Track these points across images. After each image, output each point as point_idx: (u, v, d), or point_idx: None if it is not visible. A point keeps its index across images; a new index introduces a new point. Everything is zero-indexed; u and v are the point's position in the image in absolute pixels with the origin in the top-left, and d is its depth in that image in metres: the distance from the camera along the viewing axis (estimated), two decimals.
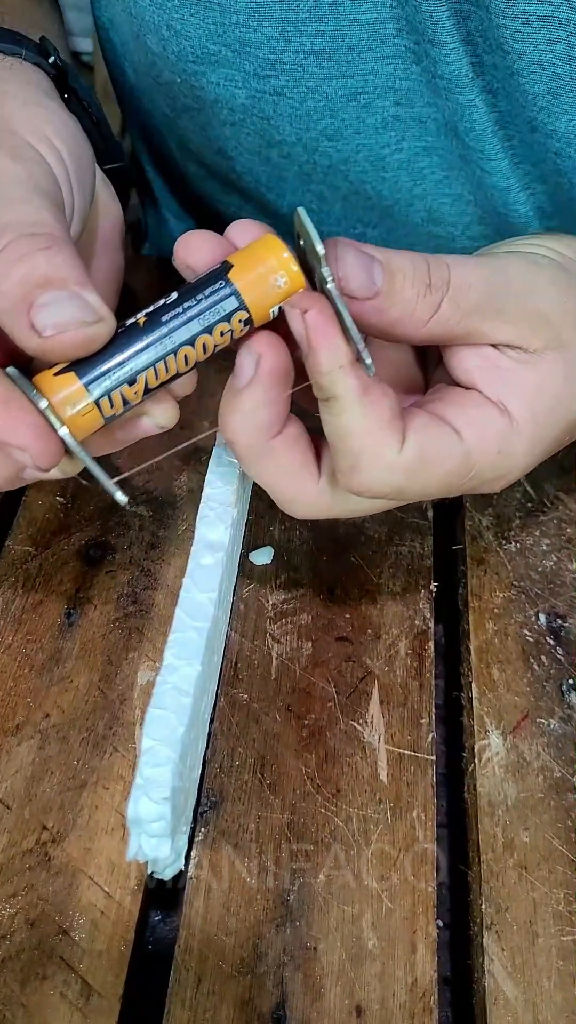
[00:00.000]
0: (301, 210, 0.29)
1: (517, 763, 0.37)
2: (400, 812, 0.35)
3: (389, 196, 0.50)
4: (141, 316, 0.30)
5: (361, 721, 0.38)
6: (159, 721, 0.29)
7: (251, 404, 0.31)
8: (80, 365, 0.29)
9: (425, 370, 0.38)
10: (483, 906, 0.33)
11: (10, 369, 0.29)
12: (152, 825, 0.28)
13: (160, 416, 0.32)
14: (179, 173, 0.56)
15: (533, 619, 0.42)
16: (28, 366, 0.30)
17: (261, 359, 0.31)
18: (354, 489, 0.32)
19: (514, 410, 0.33)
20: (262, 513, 0.45)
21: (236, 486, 0.37)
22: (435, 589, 0.43)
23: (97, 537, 0.43)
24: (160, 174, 0.59)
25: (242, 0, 0.40)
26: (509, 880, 0.34)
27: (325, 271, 0.29)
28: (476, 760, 0.37)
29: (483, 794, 0.36)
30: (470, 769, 0.37)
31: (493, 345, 0.33)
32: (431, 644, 0.41)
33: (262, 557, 0.43)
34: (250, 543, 0.44)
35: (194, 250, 0.31)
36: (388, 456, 0.31)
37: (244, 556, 0.43)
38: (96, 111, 0.42)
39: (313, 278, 0.30)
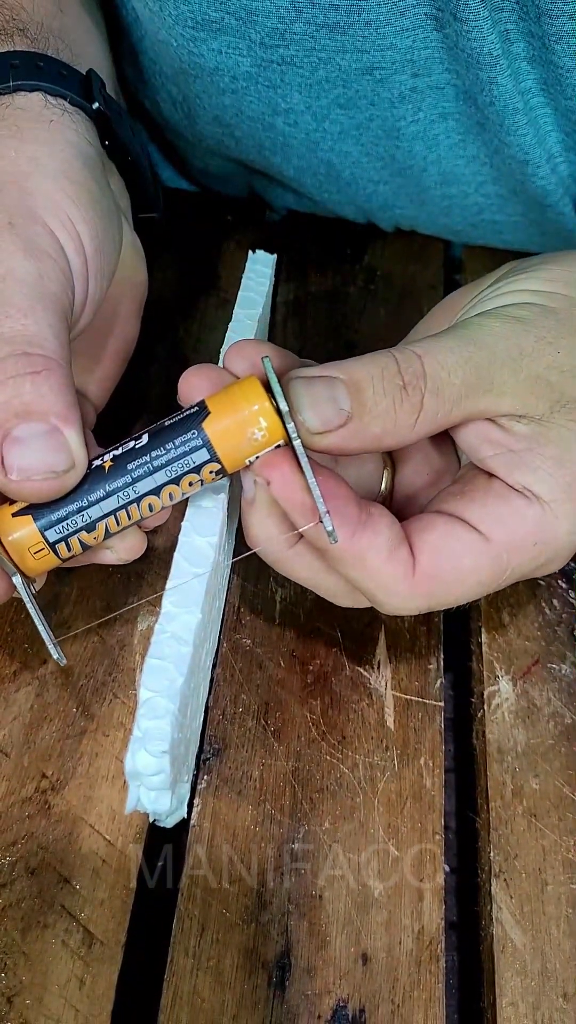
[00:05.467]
0: (266, 362, 0.28)
1: (527, 709, 0.36)
2: (407, 759, 0.34)
3: (402, 161, 0.48)
4: (108, 459, 0.29)
5: (368, 667, 0.37)
6: (157, 672, 0.28)
7: (259, 519, 0.31)
8: (39, 508, 0.29)
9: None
10: (491, 853, 0.33)
11: None
12: (151, 778, 0.27)
13: (123, 551, 0.32)
14: (170, 130, 0.53)
15: None
16: None
17: (257, 483, 0.30)
18: (388, 614, 0.32)
19: (543, 493, 0.30)
20: None
21: None
22: None
23: None
24: (149, 127, 0.56)
25: None
26: (518, 828, 0.33)
27: (290, 427, 0.27)
28: (485, 706, 0.36)
29: (492, 740, 0.35)
30: (479, 715, 0.36)
31: (497, 423, 0.30)
32: None
33: None
34: None
35: (196, 389, 0.30)
36: (401, 588, 0.29)
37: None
38: (136, 157, 0.39)
39: None
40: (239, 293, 0.38)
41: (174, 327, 0.42)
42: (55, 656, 0.31)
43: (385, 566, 0.29)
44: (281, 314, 0.51)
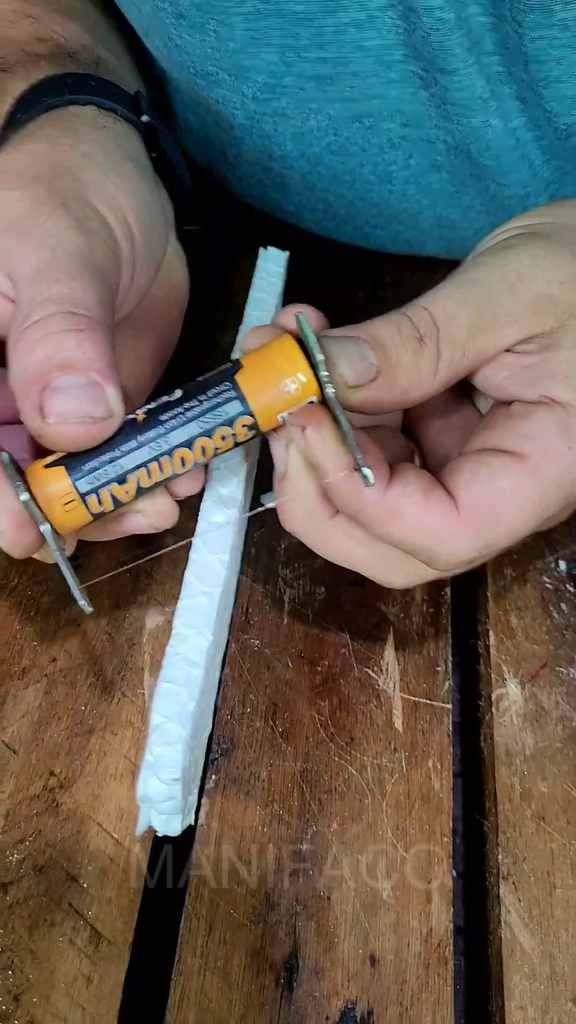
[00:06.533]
0: (301, 317, 0.28)
1: (535, 712, 0.36)
2: (415, 761, 0.34)
3: (397, 205, 0.48)
4: (141, 412, 0.29)
5: (376, 668, 0.37)
6: (169, 696, 0.28)
7: (294, 487, 0.30)
8: (72, 459, 0.28)
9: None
10: (499, 856, 0.32)
11: (3, 454, 0.29)
12: (162, 804, 0.27)
13: (154, 517, 0.31)
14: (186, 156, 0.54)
15: (553, 565, 0.41)
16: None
17: (290, 448, 0.30)
18: (445, 573, 0.31)
19: (565, 397, 0.30)
20: None
21: None
22: None
23: None
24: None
25: (239, 27, 0.38)
26: (526, 831, 0.33)
27: (323, 375, 0.28)
28: (493, 709, 0.36)
29: (500, 743, 0.35)
30: (487, 718, 0.36)
31: (511, 350, 0.31)
32: (448, 590, 0.40)
33: (274, 498, 0.42)
34: (262, 483, 0.42)
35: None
36: (448, 529, 0.29)
37: (255, 497, 0.42)
38: (182, 170, 0.40)
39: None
40: (250, 293, 0.38)
41: (185, 331, 0.42)
42: (81, 603, 0.30)
43: (425, 513, 0.29)
44: None
